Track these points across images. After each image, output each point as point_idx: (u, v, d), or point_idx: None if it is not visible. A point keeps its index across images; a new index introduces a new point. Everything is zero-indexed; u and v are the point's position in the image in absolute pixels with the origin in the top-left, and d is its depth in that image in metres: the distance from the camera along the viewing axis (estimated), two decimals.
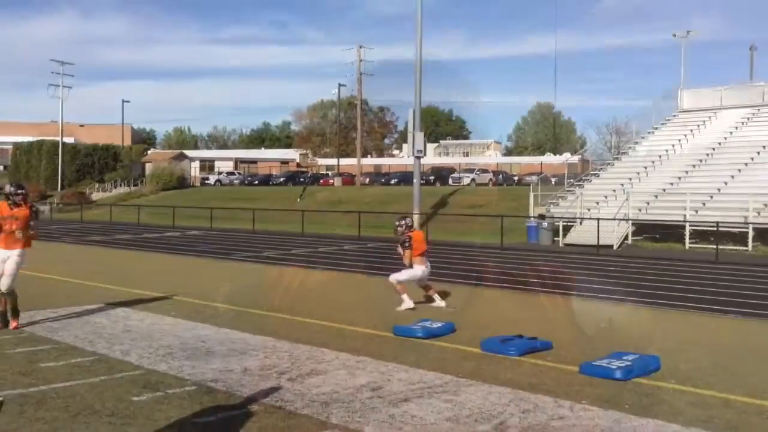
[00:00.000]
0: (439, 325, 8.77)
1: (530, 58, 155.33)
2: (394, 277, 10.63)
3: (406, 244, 10.57)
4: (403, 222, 10.88)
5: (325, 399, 5.80)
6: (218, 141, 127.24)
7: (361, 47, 55.50)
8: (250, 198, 45.88)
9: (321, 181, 58.85)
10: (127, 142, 72.15)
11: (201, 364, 6.98)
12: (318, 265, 17.68)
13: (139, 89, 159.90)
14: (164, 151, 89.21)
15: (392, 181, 55.83)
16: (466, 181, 51.83)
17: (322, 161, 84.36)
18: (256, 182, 62.12)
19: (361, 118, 59.78)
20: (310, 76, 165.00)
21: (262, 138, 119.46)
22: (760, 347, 8.22)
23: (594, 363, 6.94)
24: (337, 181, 55.95)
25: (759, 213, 23.13)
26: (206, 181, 64.87)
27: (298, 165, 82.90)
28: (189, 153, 79.09)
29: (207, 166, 79.34)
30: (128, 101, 68.40)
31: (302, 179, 59.89)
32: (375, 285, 13.94)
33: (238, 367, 6.87)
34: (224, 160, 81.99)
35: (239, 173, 69.45)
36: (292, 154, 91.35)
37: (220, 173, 68.41)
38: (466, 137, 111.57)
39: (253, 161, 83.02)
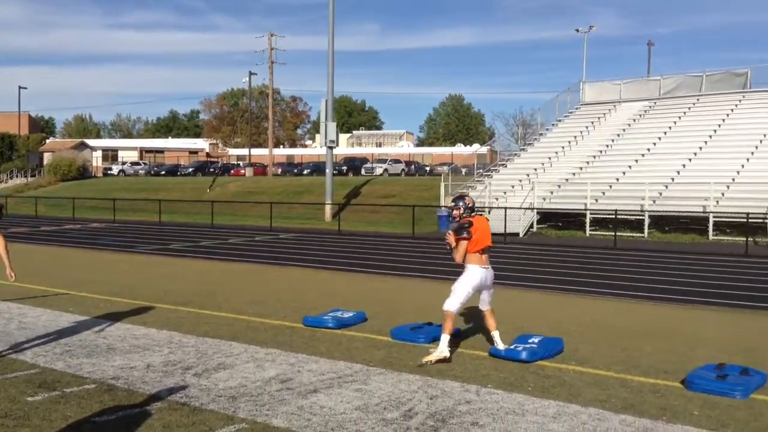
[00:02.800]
0: (350, 314, 8.77)
1: (442, 51, 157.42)
2: (452, 304, 7.05)
3: (464, 233, 7.11)
4: (461, 202, 7.37)
5: (233, 393, 5.68)
6: (122, 130, 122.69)
7: (272, 35, 54.69)
8: (156, 189, 44.46)
9: (232, 171, 57.74)
10: (24, 130, 68.38)
11: (101, 361, 6.70)
12: (228, 257, 17.34)
13: (37, 75, 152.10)
14: (64, 140, 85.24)
15: (305, 172, 55.45)
16: (378, 171, 52.05)
17: (233, 151, 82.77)
18: (163, 172, 60.27)
19: (272, 107, 58.94)
20: (219, 64, 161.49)
21: (169, 127, 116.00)
22: (655, 329, 8.64)
23: (500, 348, 7.10)
24: (249, 172, 55.04)
25: (654, 201, 24.36)
26: (109, 172, 62.43)
27: (208, 155, 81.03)
28: (90, 142, 75.92)
29: (110, 155, 76.40)
30: (25, 88, 64.63)
31: (212, 169, 58.59)
32: (287, 276, 13.82)
33: (141, 363, 6.64)
34: (128, 150, 79.12)
35: (145, 163, 67.17)
36: (202, 143, 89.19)
37: (124, 163, 65.93)
38: (379, 128, 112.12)
39: (160, 151, 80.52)
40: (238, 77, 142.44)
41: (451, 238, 7.32)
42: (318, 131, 54.17)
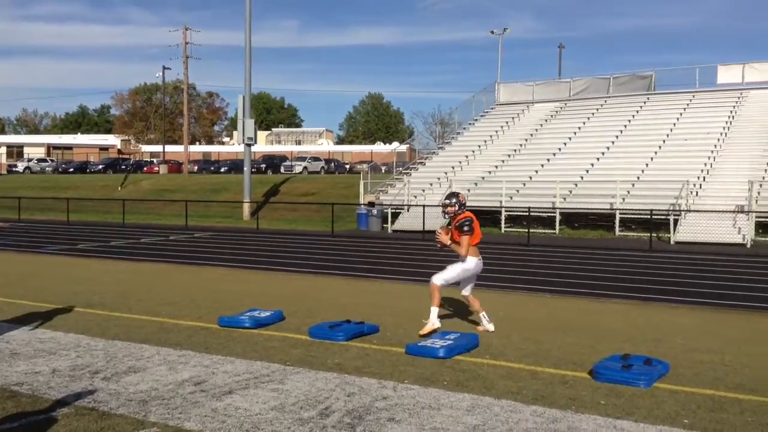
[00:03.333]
0: (268, 314, 8.67)
1: (362, 49, 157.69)
2: (441, 278, 7.81)
3: (465, 228, 7.65)
4: (455, 199, 7.86)
5: (143, 397, 5.52)
6: (28, 125, 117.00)
7: (187, 29, 53.34)
8: (64, 187, 42.66)
9: (145, 168, 56.08)
10: None
11: (4, 367, 6.38)
12: (140, 257, 16.82)
13: None
14: None
15: (222, 169, 54.49)
16: (298, 169, 51.72)
17: (146, 148, 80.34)
18: (72, 170, 57.88)
19: (187, 103, 57.49)
20: (132, 58, 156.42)
21: (78, 122, 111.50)
22: (565, 322, 8.95)
23: (419, 343, 7.19)
24: (163, 169, 53.56)
25: (565, 199, 25.20)
26: (14, 169, 59.48)
27: (120, 152, 78.40)
28: None
29: (15, 152, 72.68)
30: None
31: (124, 167, 56.76)
32: (202, 276, 13.53)
33: (47, 368, 6.35)
34: (35, 146, 75.50)
35: (52, 160, 64.32)
36: (113, 140, 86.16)
37: (29, 160, 62.85)
38: (298, 125, 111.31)
39: (68, 147, 77.27)
40: (152, 72, 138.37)
41: (443, 236, 7.84)
42: (235, 128, 53.16)
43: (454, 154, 33.00)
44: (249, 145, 32.02)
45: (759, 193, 22.28)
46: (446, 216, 8.08)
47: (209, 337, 7.76)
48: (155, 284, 12.10)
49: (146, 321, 8.64)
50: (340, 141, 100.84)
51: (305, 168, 52.41)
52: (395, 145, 58.85)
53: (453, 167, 30.92)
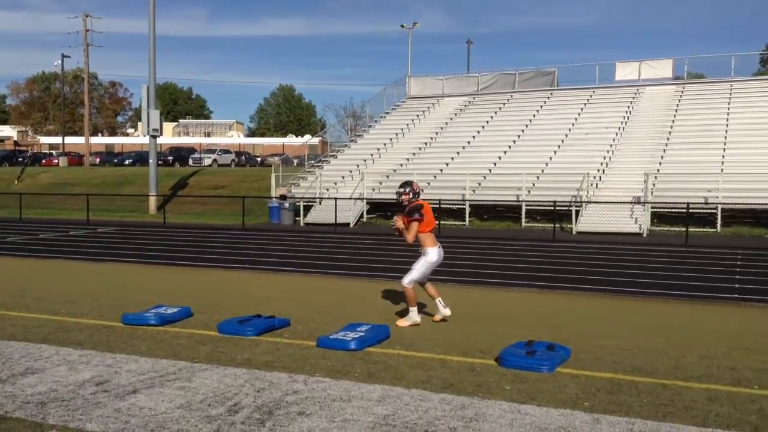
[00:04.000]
0: (175, 310, 8.44)
1: (273, 40, 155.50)
2: (409, 279, 8.00)
3: (417, 215, 7.83)
4: (409, 188, 8.07)
5: (42, 399, 5.27)
6: None
7: (87, 16, 51.06)
8: None
9: (43, 161, 53.41)
10: None
11: None
12: (39, 254, 16.03)
13: None
14: None
15: (126, 162, 52.60)
16: (207, 161, 50.66)
17: (45, 139, 76.53)
18: None
19: (88, 92, 55.10)
20: (28, 45, 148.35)
21: None
22: (473, 311, 9.16)
23: (330, 336, 7.19)
24: (63, 161, 51.18)
25: (474, 191, 25.77)
26: None
27: (16, 143, 74.30)
28: None
29: None
30: None
31: (21, 159, 53.82)
32: (105, 272, 13.04)
33: None
34: None
35: None
36: (9, 131, 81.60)
37: None
38: (207, 117, 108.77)
39: None
40: (50, 60, 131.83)
41: (400, 221, 7.98)
42: (140, 119, 51.39)
43: (366, 147, 33.11)
44: (154, 137, 31.05)
45: (654, 184, 23.49)
46: (401, 204, 8.12)
47: (112, 336, 7.49)
48: (54, 282, 11.56)
49: (45, 320, 8.25)
50: (251, 133, 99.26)
51: (215, 161, 51.38)
52: (307, 137, 58.53)
53: (365, 160, 31.02)
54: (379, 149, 32.17)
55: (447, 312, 8.25)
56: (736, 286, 11.71)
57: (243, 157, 56.46)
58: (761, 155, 24.59)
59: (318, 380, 5.82)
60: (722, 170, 23.67)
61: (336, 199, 24.67)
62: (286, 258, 15.58)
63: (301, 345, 7.12)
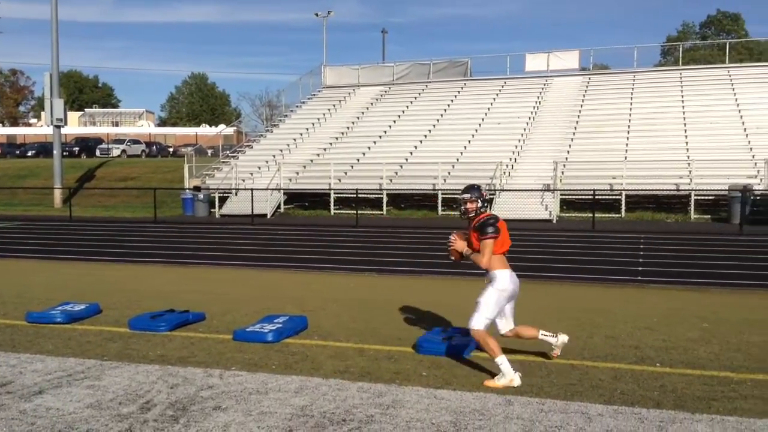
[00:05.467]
0: (82, 307, 8.13)
1: (184, 27, 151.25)
2: (478, 321, 5.66)
3: (491, 231, 5.71)
4: (477, 194, 5.87)
5: None
6: None
7: None
8: None
9: None
10: None
11: None
12: None
13: None
14: None
15: (29, 153, 50.14)
16: (116, 152, 48.95)
17: None
18: None
19: None
20: None
21: None
22: (391, 299, 9.23)
23: (247, 329, 7.09)
24: None
25: (391, 180, 25.95)
26: None
27: None
28: None
29: None
30: None
31: None
32: (7, 269, 12.42)
33: None
34: None
35: None
36: None
37: None
38: (115, 106, 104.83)
39: None
40: None
41: (460, 241, 5.93)
42: (43, 108, 48.98)
43: (283, 137, 32.77)
44: (58, 127, 29.72)
45: (563, 172, 24.30)
46: (463, 216, 5.96)
47: (16, 335, 7.14)
48: None
49: None
50: (162, 123, 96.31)
51: (124, 151, 49.75)
52: (221, 127, 57.28)
53: (281, 150, 30.70)
54: (295, 139, 31.90)
55: (564, 339, 6.11)
56: (639, 268, 12.29)
57: (154, 148, 54.85)
58: (662, 143, 25.83)
59: (234, 374, 5.74)
60: (626, 158, 24.72)
61: (252, 190, 24.31)
62: (201, 251, 15.26)
63: (216, 339, 7.00)
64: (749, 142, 25.22)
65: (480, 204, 5.88)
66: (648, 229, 19.47)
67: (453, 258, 6.14)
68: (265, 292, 9.85)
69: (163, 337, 7.06)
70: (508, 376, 5.44)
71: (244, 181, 27.48)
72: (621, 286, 10.45)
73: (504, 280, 5.83)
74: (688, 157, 24.50)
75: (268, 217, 24.64)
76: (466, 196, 5.90)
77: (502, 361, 5.51)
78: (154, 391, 5.28)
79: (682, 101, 29.58)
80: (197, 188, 26.82)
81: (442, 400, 5.06)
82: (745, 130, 26.21)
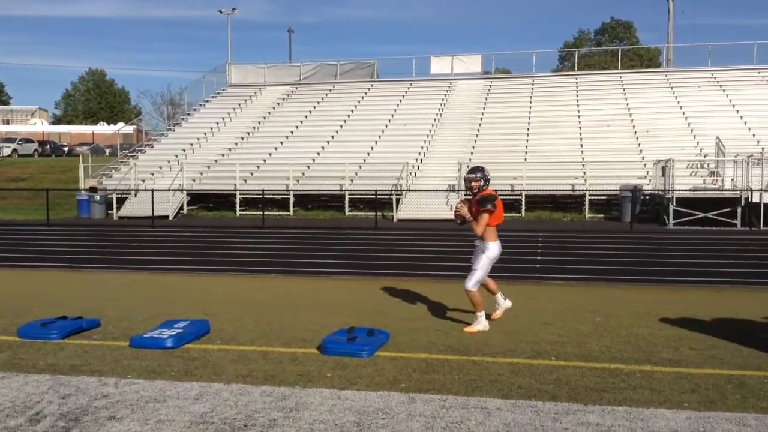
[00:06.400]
0: None
1: (81, 21, 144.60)
2: (474, 282, 7.30)
3: (489, 205, 7.17)
4: (480, 174, 7.33)
5: None
6: None
7: None
8: None
9: None
10: None
11: None
12: None
13: None
14: None
15: None
16: (6, 151, 46.50)
17: None
18: None
19: None
20: None
21: None
22: (297, 301, 9.17)
23: (145, 335, 6.86)
24: None
25: (298, 181, 25.79)
26: None
27: None
28: None
29: None
30: None
31: None
32: None
33: None
34: None
35: None
36: None
37: None
38: (6, 103, 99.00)
39: None
40: None
41: (465, 208, 7.29)
42: None
43: (186, 136, 31.94)
44: None
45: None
46: (470, 192, 7.47)
47: None
48: None
49: None
50: (57, 121, 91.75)
51: (15, 150, 47.22)
52: (120, 125, 55.24)
53: (184, 150, 29.92)
54: (199, 139, 31.16)
55: (508, 304, 7.71)
56: (538, 266, 12.74)
57: (48, 147, 52.31)
58: (559, 146, 26.90)
59: (130, 382, 5.54)
60: (526, 159, 25.59)
61: (153, 190, 23.55)
62: (97, 254, 14.66)
63: (112, 346, 6.73)
64: (639, 144, 26.65)
65: (483, 182, 7.34)
66: (546, 227, 20.21)
67: (458, 221, 7.62)
68: (166, 297, 9.57)
69: (55, 345, 6.72)
70: (482, 324, 7.23)
71: (144, 181, 26.61)
72: (520, 282, 10.80)
73: (494, 250, 7.37)
74: (583, 158, 25.62)
75: (170, 218, 23.96)
76: (472, 176, 7.35)
77: (481, 314, 7.26)
78: (44, 402, 5.02)
79: (578, 105, 30.92)
80: (93, 189, 25.74)
81: (346, 401, 5.06)
82: (635, 133, 27.68)
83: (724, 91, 30.65)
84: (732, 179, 21.52)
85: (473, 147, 27.71)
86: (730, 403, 4.98)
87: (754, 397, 5.12)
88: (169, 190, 24.93)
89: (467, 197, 7.76)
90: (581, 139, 27.58)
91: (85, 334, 7.19)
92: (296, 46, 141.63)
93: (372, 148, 28.31)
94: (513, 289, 10.12)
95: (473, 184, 7.36)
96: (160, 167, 28.00)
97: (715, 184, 21.99)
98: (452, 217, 23.29)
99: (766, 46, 33.31)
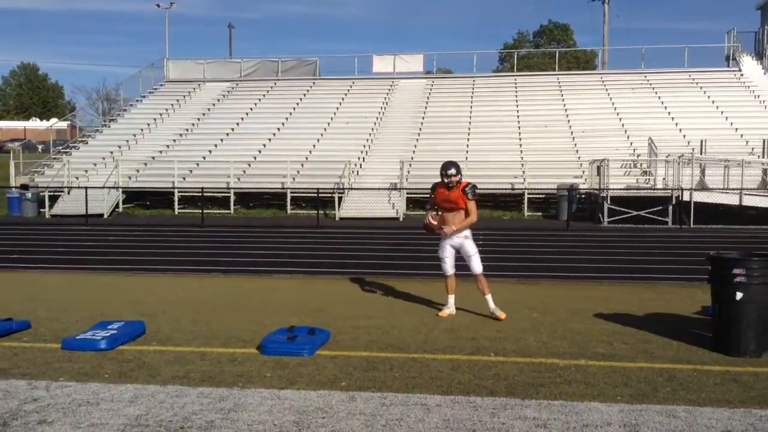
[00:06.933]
0: None
1: (11, 14, 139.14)
2: (480, 265, 8.01)
3: (477, 191, 7.96)
4: (457, 169, 7.87)
5: None
6: None
7: None
8: None
9: None
10: None
11: None
12: None
13: None
14: None
15: None
16: None
17: None
18: None
19: None
20: None
21: None
22: (237, 300, 9.04)
23: (77, 337, 6.66)
24: None
25: (239, 179, 25.45)
26: None
27: None
28: None
29: None
30: None
31: None
32: None
33: None
34: None
35: None
36: None
37: None
38: None
39: None
40: None
41: (433, 224, 7.94)
42: None
43: (122, 132, 31.13)
44: None
45: (409, 171, 25.00)
46: (448, 186, 7.85)
47: None
48: None
49: None
50: None
51: None
52: (53, 121, 53.45)
53: (120, 146, 29.16)
54: (135, 135, 30.42)
55: (453, 311, 8.16)
56: None
57: None
58: (499, 145, 27.31)
59: (62, 385, 5.37)
60: (467, 158, 25.86)
61: (87, 188, 22.85)
62: (28, 254, 14.16)
63: (43, 348, 6.51)
64: (576, 144, 27.30)
65: (460, 175, 7.91)
66: (487, 225, 20.48)
67: (427, 231, 8.14)
68: (100, 297, 9.30)
69: None
70: (451, 306, 8.10)
71: (78, 178, 25.81)
72: (461, 280, 10.89)
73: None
74: (522, 158, 26.09)
75: (105, 217, 23.32)
76: (452, 171, 7.81)
77: (453, 299, 8.10)
78: None
79: (517, 105, 31.46)
80: (25, 186, 24.83)
81: (286, 401, 5.02)
82: (572, 133, 28.34)
83: (656, 93, 31.66)
84: (663, 179, 22.26)
85: (415, 146, 27.87)
86: (661, 396, 5.15)
87: (684, 389, 5.30)
88: (104, 187, 24.25)
89: (434, 209, 8.16)
90: (520, 138, 28.07)
91: (14, 336, 6.94)
92: (237, 42, 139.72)
93: (314, 146, 28.17)
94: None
95: (453, 178, 7.83)
96: (95, 164, 27.22)
97: (647, 184, 22.71)
98: (395, 215, 23.25)
99: (697, 50, 34.71)
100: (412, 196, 24.47)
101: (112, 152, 28.29)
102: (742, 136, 26.59)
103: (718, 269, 6.37)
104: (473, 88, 33.66)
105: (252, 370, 5.82)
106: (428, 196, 8.30)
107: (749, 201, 20.88)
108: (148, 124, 31.54)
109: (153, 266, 12.52)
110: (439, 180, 7.94)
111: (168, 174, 25.76)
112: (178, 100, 34.19)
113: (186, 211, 24.65)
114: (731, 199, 21.04)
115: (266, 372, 5.75)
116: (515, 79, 35.29)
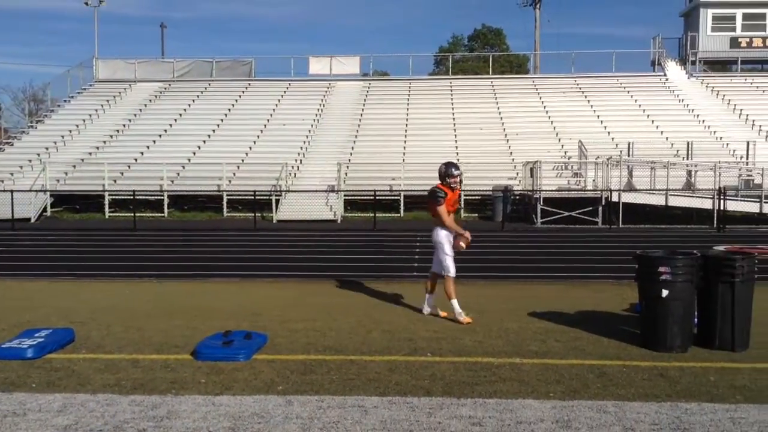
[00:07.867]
0: None
1: None
2: (453, 269, 8.01)
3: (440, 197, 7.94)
4: (454, 168, 8.00)
5: None
6: None
7: None
8: None
9: None
10: None
11: None
12: None
13: None
14: None
15: None
16: None
17: None
18: None
19: None
20: None
21: None
22: (170, 306, 8.84)
23: (2, 345, 6.42)
24: None
25: (173, 181, 24.94)
26: None
27: None
28: None
29: None
30: None
31: None
32: None
33: None
34: None
35: None
36: None
37: None
38: None
39: None
40: None
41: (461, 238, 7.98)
42: None
43: (49, 134, 30.09)
44: None
45: (346, 174, 25.00)
46: (452, 188, 7.96)
47: None
48: None
49: None
50: None
51: None
52: None
53: (47, 148, 28.17)
54: (63, 136, 29.45)
55: (428, 311, 8.28)
56: (416, 264, 13.00)
57: None
58: (436, 147, 27.57)
59: None
60: (404, 160, 26.05)
61: (12, 191, 21.96)
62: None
63: None
64: (509, 146, 27.84)
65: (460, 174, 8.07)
66: (424, 227, 20.59)
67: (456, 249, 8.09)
68: (27, 304, 8.95)
69: None
70: (457, 308, 7.82)
71: (3, 182, 24.82)
72: (398, 281, 10.97)
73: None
74: (458, 160, 26.39)
75: (33, 221, 22.49)
76: (457, 172, 7.94)
77: (457, 304, 7.85)
78: None
79: (453, 108, 31.87)
80: None
81: (221, 407, 4.95)
82: (506, 135, 28.88)
83: (585, 96, 32.59)
84: (593, 180, 22.92)
85: (353, 148, 27.89)
86: (591, 392, 5.30)
87: (614, 385, 5.47)
88: (30, 191, 23.38)
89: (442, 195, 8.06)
90: (456, 141, 28.44)
91: None
92: (169, 42, 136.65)
93: (250, 148, 27.85)
94: (392, 288, 10.28)
95: (456, 178, 7.97)
96: (21, 167, 26.22)
97: (578, 185, 23.34)
98: (332, 217, 23.21)
99: (624, 55, 35.86)
100: (350, 198, 24.47)
101: (39, 154, 27.31)
102: (667, 138, 27.64)
103: (644, 267, 6.60)
104: (410, 91, 33.93)
105: (186, 376, 5.71)
106: (438, 200, 7.90)
107: (674, 201, 21.72)
108: (77, 125, 30.58)
109: (83, 272, 12.14)
110: (439, 184, 7.98)
111: (98, 177, 25.03)
112: (108, 101, 33.27)
113: (117, 214, 24.00)
114: (657, 200, 21.83)
115: (201, 378, 5.65)
116: (451, 83, 35.74)
